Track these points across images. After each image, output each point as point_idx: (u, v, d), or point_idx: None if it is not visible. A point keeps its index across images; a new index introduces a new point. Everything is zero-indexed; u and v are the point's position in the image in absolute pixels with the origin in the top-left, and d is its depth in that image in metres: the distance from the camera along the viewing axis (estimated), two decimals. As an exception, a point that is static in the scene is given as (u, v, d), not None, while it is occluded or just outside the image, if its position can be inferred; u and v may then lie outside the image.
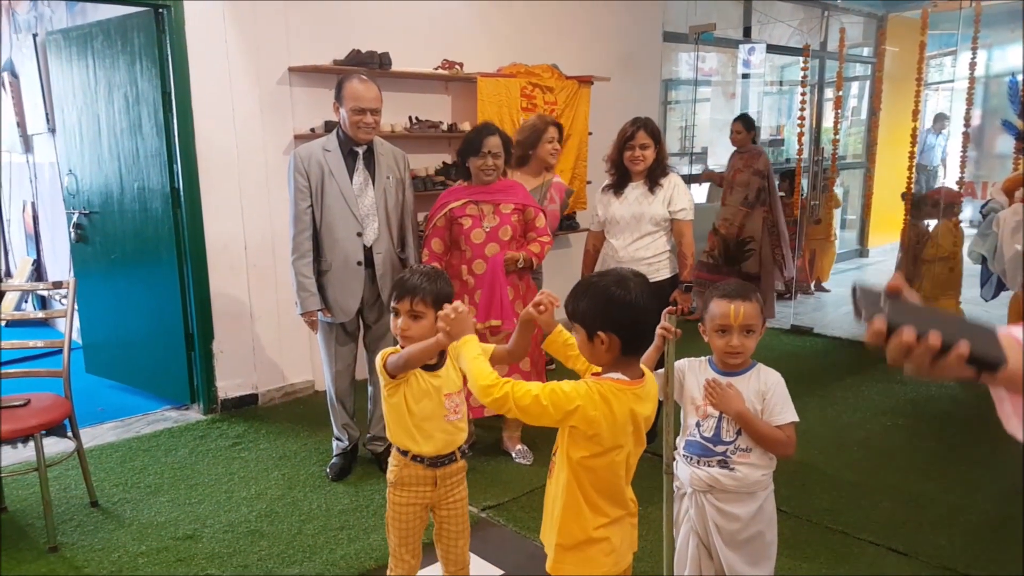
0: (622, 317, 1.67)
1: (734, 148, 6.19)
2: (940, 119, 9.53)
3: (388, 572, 2.30)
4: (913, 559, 2.89)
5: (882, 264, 8.81)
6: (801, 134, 6.54)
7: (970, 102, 5.81)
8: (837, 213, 7.84)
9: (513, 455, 3.77)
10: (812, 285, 7.64)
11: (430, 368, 2.18)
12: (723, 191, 6.32)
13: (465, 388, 2.07)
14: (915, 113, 5.96)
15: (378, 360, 2.16)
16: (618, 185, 3.70)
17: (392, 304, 2.18)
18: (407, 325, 2.13)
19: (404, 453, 2.19)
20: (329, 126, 4.27)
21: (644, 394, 1.72)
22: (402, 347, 2.12)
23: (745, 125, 6.07)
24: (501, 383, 1.65)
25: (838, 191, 7.59)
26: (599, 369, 1.75)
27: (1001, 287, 4.61)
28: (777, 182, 7.65)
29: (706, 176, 7.16)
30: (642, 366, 1.76)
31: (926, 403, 4.43)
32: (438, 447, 2.18)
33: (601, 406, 1.64)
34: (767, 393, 2.05)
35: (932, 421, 4.24)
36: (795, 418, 2.06)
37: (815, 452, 3.83)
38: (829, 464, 3.70)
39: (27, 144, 6.24)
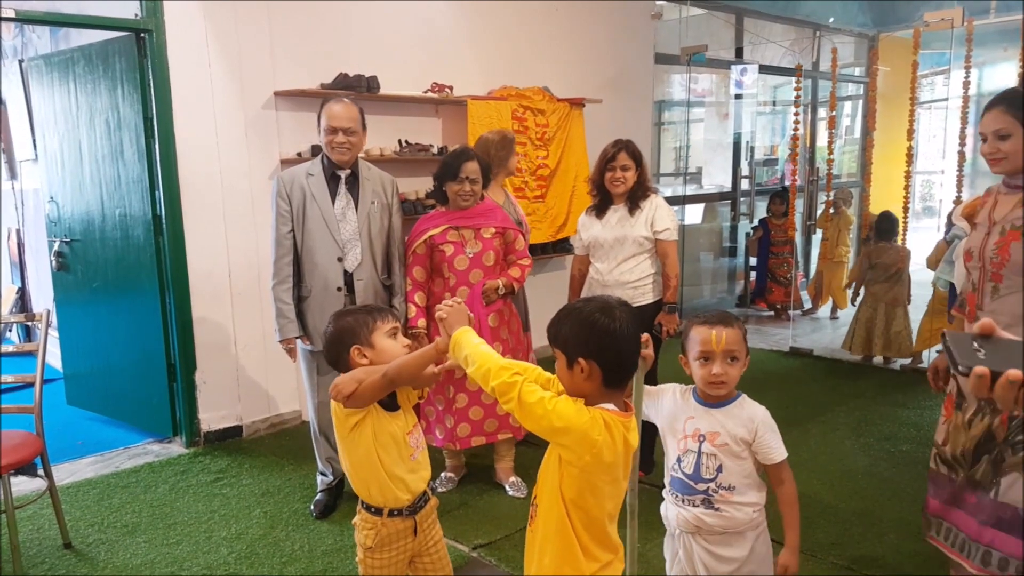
0: (604, 346, 1.59)
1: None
2: None
3: None
4: (923, 596, 2.75)
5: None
6: (795, 154, 6.47)
7: (964, 121, 5.76)
8: (850, 234, 7.27)
9: (506, 488, 3.63)
10: (821, 308, 7.43)
11: (388, 408, 2.00)
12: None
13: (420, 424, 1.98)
14: (909, 132, 5.91)
15: (335, 393, 1.92)
16: (600, 207, 3.67)
17: (357, 346, 2.02)
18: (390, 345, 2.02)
19: (378, 512, 1.99)
20: (316, 150, 4.18)
21: (632, 426, 1.66)
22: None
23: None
24: (514, 370, 1.60)
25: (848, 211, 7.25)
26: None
27: None
28: (768, 203, 7.55)
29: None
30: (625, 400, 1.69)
31: (930, 427, 4.30)
32: (413, 491, 2.01)
33: (604, 432, 1.56)
34: (756, 431, 1.97)
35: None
36: (785, 453, 2.01)
37: (817, 482, 3.70)
38: (832, 494, 3.57)
39: (13, 171, 6.16)
